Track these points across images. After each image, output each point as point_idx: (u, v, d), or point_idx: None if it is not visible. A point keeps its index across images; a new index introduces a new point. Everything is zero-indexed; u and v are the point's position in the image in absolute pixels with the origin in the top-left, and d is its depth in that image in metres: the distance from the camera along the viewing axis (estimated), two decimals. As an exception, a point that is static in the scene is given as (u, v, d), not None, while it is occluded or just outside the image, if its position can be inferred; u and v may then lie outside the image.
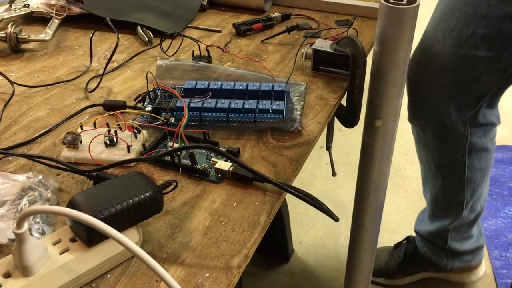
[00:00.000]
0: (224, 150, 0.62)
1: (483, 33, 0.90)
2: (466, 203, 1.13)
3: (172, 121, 0.67)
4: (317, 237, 1.55)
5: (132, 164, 0.60)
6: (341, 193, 1.71)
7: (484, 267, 1.32)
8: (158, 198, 0.50)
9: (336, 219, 0.54)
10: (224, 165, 0.59)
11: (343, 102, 0.75)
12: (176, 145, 0.61)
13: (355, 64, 0.70)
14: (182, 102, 0.65)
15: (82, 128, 0.64)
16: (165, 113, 0.67)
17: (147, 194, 0.49)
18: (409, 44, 0.69)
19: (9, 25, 0.84)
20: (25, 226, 0.42)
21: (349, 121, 0.76)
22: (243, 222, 0.53)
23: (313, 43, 0.77)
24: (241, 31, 0.89)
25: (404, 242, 1.36)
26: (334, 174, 0.83)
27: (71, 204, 0.47)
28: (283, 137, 0.65)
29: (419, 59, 1.02)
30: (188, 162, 0.60)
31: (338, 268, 1.46)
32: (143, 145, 0.62)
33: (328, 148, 0.83)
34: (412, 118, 1.12)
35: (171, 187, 0.54)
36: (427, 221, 1.24)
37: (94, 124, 0.64)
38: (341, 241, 1.54)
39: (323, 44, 0.76)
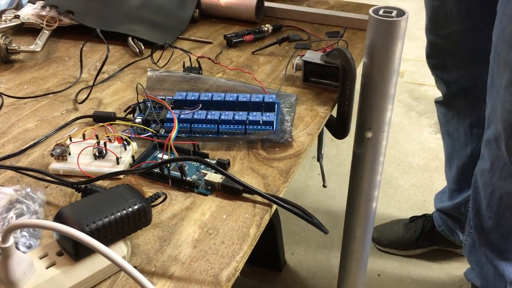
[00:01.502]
0: (213, 162, 0.61)
1: None
2: None
3: (162, 132, 0.67)
4: (310, 248, 1.54)
5: (121, 176, 0.60)
6: (334, 203, 1.71)
7: None
8: (147, 210, 0.49)
9: (325, 232, 0.54)
10: (214, 177, 0.58)
11: (334, 113, 0.75)
12: (165, 157, 0.60)
13: (345, 76, 0.70)
14: (172, 114, 0.65)
15: (71, 140, 0.64)
16: (155, 125, 0.67)
17: (135, 206, 0.48)
18: (399, 56, 0.70)
19: (-1, 36, 0.84)
20: (11, 240, 0.42)
21: (340, 133, 0.76)
22: (233, 234, 0.53)
23: (304, 55, 0.78)
24: (232, 43, 0.89)
25: (420, 218, 1.43)
26: (324, 185, 0.83)
27: (58, 218, 0.46)
28: (274, 148, 0.65)
29: None
30: (177, 174, 0.59)
31: (330, 279, 1.45)
32: (133, 157, 0.61)
33: (319, 159, 0.83)
34: (446, 81, 1.14)
35: (160, 199, 0.53)
36: (447, 201, 1.31)
37: (83, 135, 0.64)
38: (333, 251, 1.54)
39: (314, 56, 0.76)
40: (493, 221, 1.04)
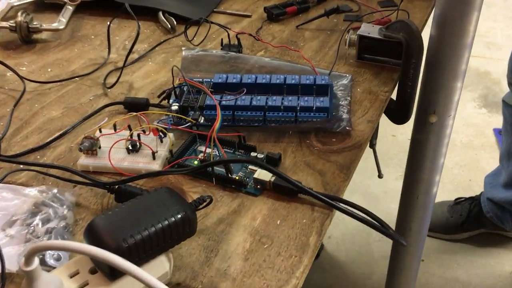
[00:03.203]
0: (262, 156, 0.53)
1: None
2: None
3: (202, 121, 0.59)
4: (347, 231, 1.47)
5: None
6: (371, 184, 1.62)
7: None
8: (191, 219, 0.42)
9: (403, 244, 0.46)
10: (264, 174, 0.51)
11: (393, 95, 0.66)
12: (208, 151, 0.53)
13: (410, 52, 0.61)
14: (213, 100, 0.57)
15: (100, 132, 0.57)
16: (193, 112, 0.60)
17: (179, 215, 0.41)
18: (474, 28, 0.60)
19: (19, 13, 0.76)
20: (35, 262, 0.35)
21: (400, 117, 0.67)
22: (290, 244, 0.45)
23: (357, 28, 0.68)
24: (273, 16, 0.80)
25: (466, 201, 1.35)
26: (380, 175, 0.75)
27: (91, 231, 0.39)
28: (330, 139, 0.57)
29: None
30: (222, 171, 0.52)
31: (370, 265, 1.38)
32: (170, 151, 0.54)
33: (372, 145, 0.74)
34: None
35: (205, 203, 0.46)
36: (502, 189, 1.23)
37: (114, 126, 0.56)
38: (373, 235, 1.46)
39: (370, 30, 0.67)
40: None
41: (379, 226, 0.46)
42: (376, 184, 1.59)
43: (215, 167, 0.52)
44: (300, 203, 0.49)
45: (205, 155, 0.52)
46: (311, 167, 0.53)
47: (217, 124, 0.51)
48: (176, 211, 0.41)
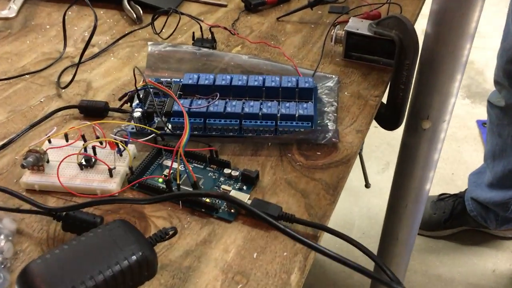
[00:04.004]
0: (237, 173, 0.47)
1: None
2: None
3: (168, 130, 0.52)
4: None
5: (116, 193, 0.45)
6: (353, 177, 1.57)
7: None
8: (150, 260, 0.35)
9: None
10: (239, 197, 0.44)
11: (383, 98, 0.60)
12: (175, 167, 0.45)
13: (403, 53, 0.54)
14: (180, 107, 0.49)
15: (50, 142, 0.49)
16: (158, 120, 0.52)
17: (134, 257, 0.34)
18: (475, 26, 0.53)
19: (-38, -1, 0.67)
20: None
21: (391, 123, 0.61)
22: (268, 284, 0.39)
23: (344, 23, 0.61)
24: (251, 6, 0.72)
25: (450, 197, 1.32)
26: (368, 185, 0.69)
27: (23, 280, 0.32)
28: (314, 152, 0.50)
29: None
30: (190, 189, 0.45)
31: (352, 257, 1.34)
32: (130, 168, 0.46)
33: (359, 151, 0.68)
34: (507, 92, 1.03)
35: (168, 237, 0.39)
36: (486, 189, 1.20)
37: (66, 137, 0.49)
38: (354, 232, 1.41)
39: (359, 25, 0.60)
40: None
41: (379, 263, 0.40)
42: (358, 177, 1.54)
43: (182, 187, 0.45)
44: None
45: (171, 173, 0.45)
46: (293, 187, 0.46)
47: (184, 138, 0.44)
48: (131, 252, 0.34)
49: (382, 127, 0.62)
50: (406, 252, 0.78)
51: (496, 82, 1.07)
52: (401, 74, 0.56)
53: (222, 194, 0.39)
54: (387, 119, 0.61)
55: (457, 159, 1.58)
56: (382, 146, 1.60)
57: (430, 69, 0.56)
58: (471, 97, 1.83)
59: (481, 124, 1.67)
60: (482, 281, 1.24)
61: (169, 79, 0.58)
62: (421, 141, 0.63)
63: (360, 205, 1.41)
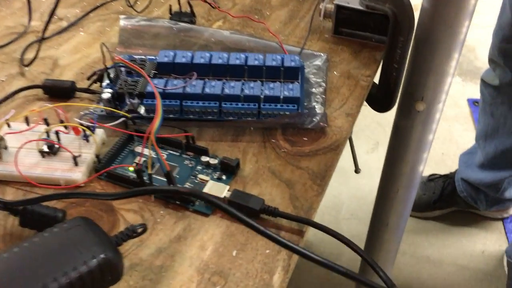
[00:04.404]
0: (215, 161, 0.42)
1: None
2: None
3: (142, 112, 0.47)
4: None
5: (81, 183, 0.41)
6: (341, 157, 1.54)
7: None
8: (113, 263, 0.31)
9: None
10: (217, 188, 0.40)
11: (375, 77, 0.56)
12: (146, 155, 0.41)
13: (397, 29, 0.50)
14: (153, 89, 0.45)
15: (9, 126, 0.44)
16: (131, 101, 0.47)
17: (95, 260, 0.30)
18: (475, 1, 0.49)
19: None
20: None
21: (383, 105, 0.57)
22: (248, 285, 0.35)
23: (334, -4, 0.56)
24: (234, -23, 0.67)
25: (440, 178, 1.30)
26: (357, 170, 0.65)
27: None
28: (300, 138, 0.46)
29: None
30: (163, 180, 0.41)
31: (339, 245, 1.31)
32: (97, 156, 0.42)
33: (350, 138, 0.64)
34: (502, 71, 0.99)
35: (136, 235, 0.35)
36: (477, 169, 1.18)
37: (27, 120, 0.44)
38: (342, 213, 1.39)
39: (350, -2, 0.55)
40: None
41: (374, 266, 0.36)
42: (346, 158, 1.51)
43: (154, 177, 0.41)
44: (262, 225, 0.39)
45: (142, 161, 0.41)
46: (277, 176, 0.42)
47: (156, 122, 0.40)
48: (92, 255, 0.30)
49: (374, 109, 0.58)
50: (396, 238, 0.75)
51: (491, 61, 1.04)
52: (395, 53, 0.52)
53: (193, 191, 0.35)
54: (379, 101, 0.57)
55: (448, 139, 1.55)
56: (372, 125, 1.56)
57: (426, 47, 0.52)
58: (462, 75, 1.79)
59: (472, 103, 1.64)
60: (471, 262, 1.23)
61: (143, 57, 0.53)
62: (415, 123, 0.59)
63: (349, 185, 1.39)
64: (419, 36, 0.52)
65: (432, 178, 1.31)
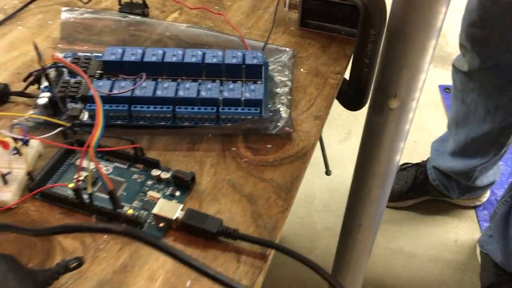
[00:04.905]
0: (168, 175, 0.37)
1: None
2: (508, 144, 1.08)
3: (85, 118, 0.42)
4: (288, 201, 1.36)
5: (12, 205, 0.36)
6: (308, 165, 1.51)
7: (488, 194, 1.30)
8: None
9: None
10: (169, 208, 0.35)
11: (346, 74, 0.51)
12: (86, 168, 0.36)
13: (368, 22, 0.46)
14: (93, 92, 0.39)
15: None
16: (73, 105, 0.42)
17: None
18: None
19: None
20: None
21: (354, 103, 0.53)
22: (204, 322, 0.31)
23: (300, -16, 0.52)
24: (192, -37, 0.61)
25: (412, 167, 1.29)
26: (328, 172, 0.61)
27: None
28: (264, 145, 0.41)
29: None
30: (105, 197, 0.36)
31: (313, 238, 1.29)
32: (29, 174, 0.37)
33: (320, 137, 0.60)
34: (482, 56, 0.97)
35: (70, 270, 0.30)
36: (449, 157, 1.18)
37: None
38: (315, 204, 1.36)
39: (317, -13, 0.51)
40: None
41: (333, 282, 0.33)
42: (318, 148, 1.48)
43: (96, 194, 0.36)
44: (221, 249, 0.34)
45: (80, 179, 0.35)
46: (237, 190, 0.38)
47: (96, 133, 0.34)
48: (11, 304, 0.25)
49: (345, 107, 0.54)
50: (370, 238, 0.72)
51: (461, 46, 1.02)
52: (366, 47, 0.48)
53: (124, 230, 0.29)
54: (350, 98, 0.53)
55: (419, 126, 1.53)
56: (344, 113, 1.53)
57: (399, 40, 0.48)
58: (433, 61, 1.77)
59: (444, 89, 1.63)
60: (445, 252, 1.22)
61: (89, 54, 0.47)
62: (388, 121, 0.55)
63: (321, 176, 1.35)
64: (391, 28, 0.48)
65: (404, 167, 1.29)
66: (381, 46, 0.49)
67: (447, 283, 1.17)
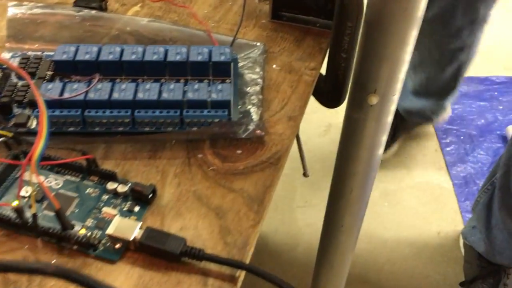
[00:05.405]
0: (126, 188, 0.34)
1: None
2: (457, 87, 1.19)
3: (34, 126, 0.38)
4: (269, 198, 1.33)
5: None
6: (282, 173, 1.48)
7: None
8: None
9: None
10: (126, 227, 0.31)
11: (322, 69, 0.48)
12: (28, 185, 0.32)
13: (344, 13, 0.42)
14: (37, 98, 0.35)
15: None
16: (20, 111, 0.38)
17: None
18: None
19: None
20: None
21: (332, 99, 0.49)
22: None
23: (271, -27, 0.48)
24: (155, -48, 0.57)
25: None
26: (306, 174, 0.58)
27: None
28: (233, 151, 0.37)
29: None
30: (52, 215, 0.32)
31: (294, 234, 1.26)
32: (-35, 192, 0.32)
33: (297, 137, 0.57)
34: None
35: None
36: (411, 96, 1.26)
37: None
38: (296, 201, 1.33)
39: (289, -24, 0.47)
40: None
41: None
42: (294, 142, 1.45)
43: (44, 212, 0.32)
44: (185, 272, 0.31)
45: (26, 196, 0.31)
46: (204, 203, 0.34)
47: (39, 144, 0.30)
48: None
49: (322, 104, 0.51)
50: (352, 239, 0.69)
51: None
52: (342, 40, 0.44)
53: (55, 271, 0.25)
54: (327, 95, 0.49)
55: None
56: (323, 106, 1.50)
57: (378, 32, 0.45)
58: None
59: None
60: (428, 244, 1.21)
61: (39, 53, 0.43)
62: (368, 118, 0.52)
63: (302, 171, 1.33)
64: (369, 19, 0.45)
65: None
66: (359, 39, 0.46)
67: (431, 276, 1.15)
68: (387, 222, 1.25)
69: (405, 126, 1.32)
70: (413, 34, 0.45)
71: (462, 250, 1.15)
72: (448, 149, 1.44)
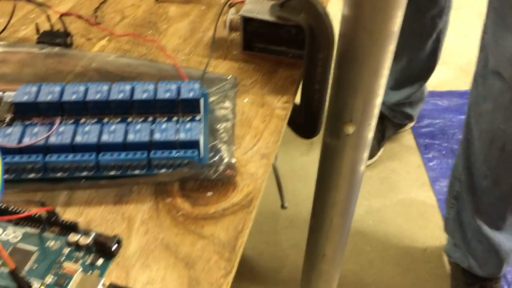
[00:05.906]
0: (89, 240, 0.32)
1: None
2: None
3: (-8, 173, 0.35)
4: (254, 220, 1.31)
5: None
6: (276, 161, 1.46)
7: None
8: None
9: None
10: (88, 283, 0.29)
11: (297, 99, 0.47)
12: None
13: (316, 45, 0.41)
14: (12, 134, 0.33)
15: None
16: (-23, 159, 0.36)
17: None
18: (404, 3, 0.41)
19: None
20: None
21: (307, 130, 0.48)
22: None
23: (242, 3, 0.47)
24: (123, -17, 0.56)
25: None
26: (284, 206, 0.56)
27: None
28: (203, 193, 0.36)
29: None
30: (5, 272, 0.30)
31: (280, 256, 1.24)
32: None
33: (274, 168, 0.55)
34: None
35: None
36: (391, 92, 1.30)
37: None
38: (280, 222, 1.31)
39: (258, 7, 0.46)
40: (490, 180, 0.87)
41: None
42: (281, 161, 1.44)
43: (1, 270, 0.30)
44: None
45: (-21, 256, 0.29)
46: (172, 252, 0.32)
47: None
48: None
49: (298, 135, 0.49)
50: (336, 266, 0.67)
51: None
52: (315, 71, 0.43)
53: None
54: (302, 126, 0.48)
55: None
56: (305, 125, 1.50)
57: (351, 64, 0.44)
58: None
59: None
60: (414, 262, 1.20)
61: (1, 93, 0.41)
62: (346, 148, 0.51)
63: (285, 190, 1.31)
64: (342, 51, 0.44)
65: None
66: (332, 69, 0.45)
67: (419, 294, 1.15)
68: (373, 240, 1.24)
69: (390, 128, 1.37)
70: (386, 66, 0.44)
71: (448, 267, 1.15)
72: (430, 164, 1.44)
